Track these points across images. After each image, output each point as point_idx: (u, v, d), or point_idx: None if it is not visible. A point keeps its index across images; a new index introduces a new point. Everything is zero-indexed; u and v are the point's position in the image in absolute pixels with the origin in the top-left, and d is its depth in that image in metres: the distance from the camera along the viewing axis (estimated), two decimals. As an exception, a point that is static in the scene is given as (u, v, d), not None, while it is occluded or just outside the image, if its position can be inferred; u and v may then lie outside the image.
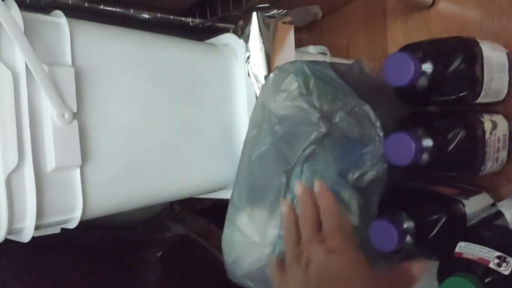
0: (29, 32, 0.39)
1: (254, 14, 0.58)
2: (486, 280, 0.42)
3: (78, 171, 0.43)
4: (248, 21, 0.59)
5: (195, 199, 0.71)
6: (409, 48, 0.52)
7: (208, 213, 0.72)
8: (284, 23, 0.61)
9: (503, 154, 0.58)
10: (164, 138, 0.51)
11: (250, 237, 0.51)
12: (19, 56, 0.39)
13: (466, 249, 0.45)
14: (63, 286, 0.54)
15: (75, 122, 0.42)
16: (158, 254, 0.67)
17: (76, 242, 0.61)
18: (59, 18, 0.43)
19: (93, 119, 0.44)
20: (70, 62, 0.43)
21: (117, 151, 0.46)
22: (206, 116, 0.56)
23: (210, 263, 0.66)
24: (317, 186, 0.43)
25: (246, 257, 0.51)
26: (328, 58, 0.73)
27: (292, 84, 0.49)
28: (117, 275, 0.62)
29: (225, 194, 0.58)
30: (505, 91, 0.57)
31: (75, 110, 0.42)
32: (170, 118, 0.52)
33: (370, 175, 0.54)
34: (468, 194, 0.57)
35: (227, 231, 0.53)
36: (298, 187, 0.44)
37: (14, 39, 0.38)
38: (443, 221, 0.52)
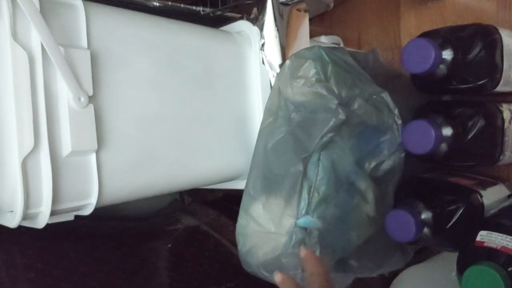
0: (45, 13, 0.39)
1: (269, 1, 0.57)
2: (510, 268, 0.41)
3: (94, 156, 0.42)
4: (262, 8, 0.58)
5: (206, 191, 0.70)
6: (428, 35, 0.51)
7: (219, 205, 0.71)
8: (299, 10, 0.60)
9: (521, 145, 0.57)
10: (178, 125, 0.50)
11: (265, 227, 0.50)
12: (35, 37, 0.38)
13: (487, 237, 0.44)
14: (75, 275, 0.53)
15: (91, 106, 0.41)
16: (169, 245, 0.67)
17: (88, 232, 0.60)
18: (75, 0, 0.42)
19: (108, 103, 0.43)
20: (86, 45, 0.42)
21: (132, 137, 0.45)
22: (220, 104, 0.55)
23: (223, 254, 0.65)
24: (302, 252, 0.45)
25: (261, 247, 0.51)
26: (340, 49, 0.73)
27: (310, 70, 0.49)
28: (129, 265, 0.61)
29: (239, 185, 0.57)
30: (524, 80, 0.56)
31: (91, 93, 0.41)
32: (185, 105, 0.51)
33: (387, 165, 0.53)
34: (486, 185, 0.56)
35: (241, 221, 0.52)
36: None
37: (30, 19, 0.37)
38: (461, 211, 0.52)
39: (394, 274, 0.62)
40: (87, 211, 0.43)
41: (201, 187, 0.58)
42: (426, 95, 0.57)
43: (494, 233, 0.44)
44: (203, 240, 0.67)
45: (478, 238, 0.45)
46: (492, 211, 0.52)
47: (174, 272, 0.64)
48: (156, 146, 0.48)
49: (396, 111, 0.52)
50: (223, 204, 0.70)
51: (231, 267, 0.62)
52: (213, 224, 0.68)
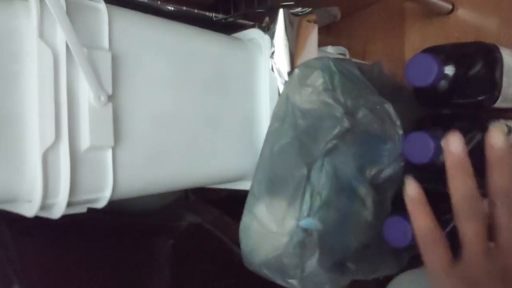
0: (70, 14, 0.41)
1: (281, 11, 0.60)
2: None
3: (110, 151, 0.44)
4: (274, 17, 0.60)
5: (210, 190, 0.72)
6: (432, 50, 0.53)
7: (223, 204, 0.73)
8: (308, 21, 0.62)
9: (517, 159, 0.59)
10: (190, 126, 0.53)
11: (268, 227, 0.52)
12: (60, 37, 0.40)
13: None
14: (81, 268, 0.55)
15: (110, 105, 0.43)
16: (171, 241, 0.69)
17: (94, 226, 0.62)
18: (98, 3, 0.44)
19: (126, 103, 0.46)
20: (107, 47, 0.44)
21: (147, 136, 0.48)
22: (230, 107, 0.57)
23: (224, 252, 0.67)
24: None
25: (264, 246, 0.53)
26: (346, 59, 0.75)
27: (318, 79, 0.51)
28: (132, 260, 0.63)
29: (244, 185, 0.59)
30: (521, 97, 0.59)
31: (110, 93, 0.43)
32: (197, 107, 0.53)
33: (386, 172, 0.55)
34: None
35: (245, 220, 0.54)
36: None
37: (57, 19, 0.39)
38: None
39: (388, 278, 0.64)
40: (101, 204, 0.45)
41: (207, 186, 0.60)
42: (428, 108, 0.60)
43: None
44: (206, 237, 0.69)
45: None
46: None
47: (176, 268, 0.66)
48: (168, 144, 0.50)
49: (398, 122, 0.54)
50: (227, 203, 0.73)
51: (232, 265, 0.64)
52: (216, 223, 0.70)
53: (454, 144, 0.35)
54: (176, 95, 0.51)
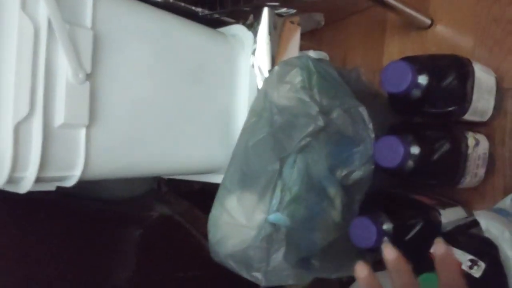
0: (54, -11, 0.41)
1: (266, 10, 0.61)
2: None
3: (83, 130, 0.44)
4: (258, 16, 0.61)
5: (183, 182, 0.72)
6: (408, 60, 0.55)
7: (195, 197, 0.74)
8: (292, 22, 0.64)
9: (481, 172, 0.61)
10: (167, 114, 0.53)
11: (237, 219, 0.53)
12: (43, 11, 0.40)
13: (440, 250, 0.48)
14: (47, 242, 0.54)
15: (87, 83, 0.43)
16: (140, 231, 0.68)
17: (63, 210, 0.61)
18: (84, -18, 0.45)
19: (104, 84, 0.46)
20: (90, 25, 0.44)
21: (123, 119, 0.48)
22: (208, 99, 0.57)
23: (192, 245, 0.67)
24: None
25: (231, 238, 0.53)
26: (326, 64, 0.76)
27: (297, 77, 0.52)
28: (99, 246, 0.63)
29: (216, 179, 0.60)
30: (490, 113, 0.61)
31: (89, 71, 0.43)
32: (175, 95, 0.54)
33: (357, 174, 0.56)
34: (445, 205, 0.60)
35: (215, 211, 0.55)
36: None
37: (41, -7, 0.39)
38: (419, 226, 0.55)
39: (352, 279, 0.65)
40: (70, 183, 0.45)
41: (180, 175, 0.60)
42: (400, 115, 0.61)
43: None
44: (175, 229, 0.69)
45: (431, 250, 0.49)
46: (448, 228, 0.56)
47: (142, 257, 0.65)
48: (144, 129, 0.50)
49: (370, 125, 0.56)
50: (198, 197, 0.73)
51: (200, 257, 0.64)
52: (186, 215, 0.70)
53: (388, 254, 0.40)
54: (155, 82, 0.51)
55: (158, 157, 0.53)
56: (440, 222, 0.57)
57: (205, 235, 0.57)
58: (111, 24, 0.46)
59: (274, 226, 0.52)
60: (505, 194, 0.62)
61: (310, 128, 0.51)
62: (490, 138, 0.63)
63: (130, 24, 0.48)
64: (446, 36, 0.72)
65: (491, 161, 0.63)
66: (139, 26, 0.49)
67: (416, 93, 0.55)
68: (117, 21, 0.47)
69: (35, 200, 0.51)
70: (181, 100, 0.54)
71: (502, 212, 0.54)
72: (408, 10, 0.70)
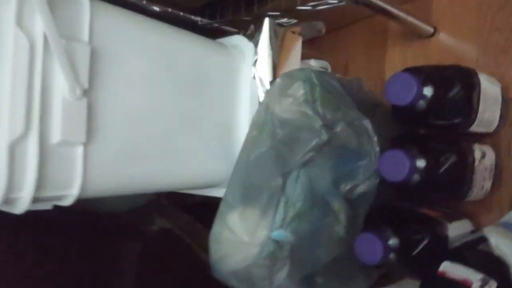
0: (51, 4, 0.40)
1: (266, 20, 0.59)
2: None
3: (81, 148, 0.42)
4: (259, 26, 0.60)
5: (184, 195, 0.71)
6: (412, 70, 0.54)
7: (196, 210, 0.72)
8: (293, 32, 0.62)
9: (488, 184, 0.60)
10: (166, 127, 0.52)
11: (239, 236, 0.51)
12: (39, 26, 0.39)
13: (450, 268, 0.46)
14: (44, 259, 0.53)
15: (85, 100, 0.42)
16: (139, 245, 0.67)
17: (60, 225, 0.60)
18: (81, -4, 0.43)
19: (102, 99, 0.44)
20: (87, 40, 0.43)
21: (121, 134, 0.46)
22: (208, 111, 0.56)
23: (192, 260, 0.66)
24: None
25: (233, 255, 0.52)
26: (328, 73, 0.75)
27: (299, 90, 0.51)
28: (95, 259, 0.62)
29: (218, 192, 0.58)
30: (496, 123, 0.60)
31: (86, 87, 0.42)
32: (175, 108, 0.52)
33: (361, 188, 0.55)
34: (452, 218, 0.59)
35: (216, 227, 0.53)
36: None
37: (37, 7, 0.38)
38: (426, 241, 0.54)
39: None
40: (67, 202, 0.44)
41: (181, 191, 0.59)
42: (404, 126, 0.60)
43: (457, 264, 0.46)
44: (175, 244, 0.68)
45: (441, 268, 0.48)
46: (456, 244, 0.54)
47: (141, 272, 0.64)
48: (143, 144, 0.49)
49: (375, 138, 0.54)
50: (199, 210, 0.71)
51: (200, 273, 0.63)
52: (187, 229, 0.69)
53: None
54: (154, 95, 0.50)
55: (157, 172, 0.52)
56: (447, 237, 0.56)
57: (206, 249, 0.55)
58: (109, 37, 0.45)
59: (278, 243, 0.50)
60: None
61: (313, 142, 0.50)
62: (496, 148, 0.62)
63: (128, 37, 0.47)
64: (449, 45, 0.71)
65: (497, 172, 0.62)
66: (137, 39, 0.48)
67: (421, 104, 0.53)
68: (115, 34, 0.46)
69: (31, 216, 0.49)
70: (181, 112, 0.53)
71: (510, 227, 0.53)
72: (410, 18, 0.69)
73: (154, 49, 0.49)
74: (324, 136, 0.50)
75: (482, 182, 0.58)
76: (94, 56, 0.43)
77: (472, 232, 0.62)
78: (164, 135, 0.52)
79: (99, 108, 0.44)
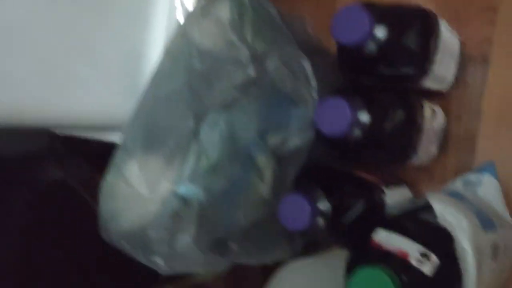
0: None
1: None
2: (403, 277, 0.36)
3: None
4: None
5: (84, 140, 0.59)
6: (366, 6, 0.45)
7: (98, 160, 0.61)
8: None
9: (434, 149, 0.54)
10: (50, 49, 0.41)
11: (136, 189, 0.41)
12: None
13: (386, 238, 0.39)
14: None
15: None
16: (28, 199, 0.56)
17: None
18: None
19: None
20: None
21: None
22: (111, 34, 0.45)
23: (90, 217, 0.55)
24: None
25: (127, 213, 0.42)
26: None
27: (225, 10, 0.40)
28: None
29: (117, 137, 0.48)
30: (449, 81, 0.53)
31: None
32: (63, 27, 0.41)
33: (293, 142, 0.46)
34: (389, 183, 0.53)
35: (110, 178, 0.43)
36: None
37: None
38: (361, 206, 0.47)
39: (277, 265, 0.56)
40: None
41: (71, 128, 0.48)
42: (349, 76, 0.52)
43: (394, 234, 0.39)
44: (69, 198, 0.57)
45: (374, 237, 0.40)
46: (393, 212, 0.48)
47: (26, 229, 0.54)
48: (16, 68, 0.38)
49: (314, 84, 0.45)
50: (103, 160, 0.60)
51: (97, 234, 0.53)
52: (85, 182, 0.58)
53: None
54: (33, 4, 0.38)
55: (35, 102, 0.40)
56: (384, 203, 0.49)
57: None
58: None
59: (184, 200, 0.41)
60: (456, 175, 0.55)
61: (238, 79, 0.40)
62: (446, 111, 0.55)
63: None
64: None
65: (444, 138, 0.55)
66: None
67: (371, 47, 0.45)
68: None
69: None
70: (74, 32, 0.42)
71: (456, 195, 0.46)
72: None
73: None
74: (252, 72, 0.40)
75: (428, 145, 0.51)
76: None
77: (413, 200, 0.55)
78: (46, 58, 0.40)
79: None
